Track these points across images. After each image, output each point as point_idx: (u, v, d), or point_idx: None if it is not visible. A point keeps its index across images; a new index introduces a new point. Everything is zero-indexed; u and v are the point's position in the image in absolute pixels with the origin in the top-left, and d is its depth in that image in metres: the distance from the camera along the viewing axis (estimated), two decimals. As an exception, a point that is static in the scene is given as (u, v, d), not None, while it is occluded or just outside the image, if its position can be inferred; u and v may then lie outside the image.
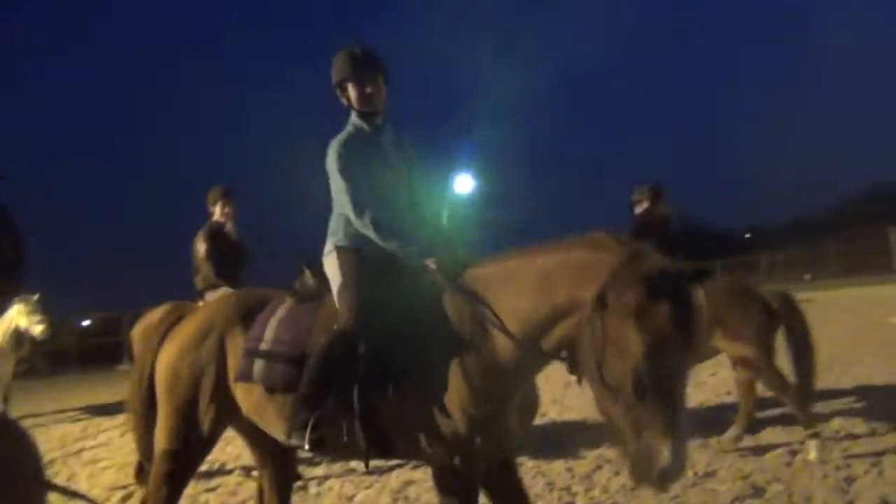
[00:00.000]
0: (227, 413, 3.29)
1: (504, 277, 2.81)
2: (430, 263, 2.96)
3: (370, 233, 3.09)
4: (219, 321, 3.36)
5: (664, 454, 2.22)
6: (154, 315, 6.22)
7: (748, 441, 5.68)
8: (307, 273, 3.53)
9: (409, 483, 5.30)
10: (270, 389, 3.10)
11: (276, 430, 3.13)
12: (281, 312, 3.26)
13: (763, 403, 6.30)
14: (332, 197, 3.33)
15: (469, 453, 2.78)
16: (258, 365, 3.13)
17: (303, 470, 5.79)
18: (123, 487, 5.81)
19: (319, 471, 5.82)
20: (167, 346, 3.47)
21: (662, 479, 2.27)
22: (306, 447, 2.91)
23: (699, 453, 5.47)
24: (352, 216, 3.14)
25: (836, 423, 6.04)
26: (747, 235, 60.71)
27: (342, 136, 3.27)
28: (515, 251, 2.92)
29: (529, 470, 5.35)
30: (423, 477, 5.39)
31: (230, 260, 6.10)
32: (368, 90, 3.26)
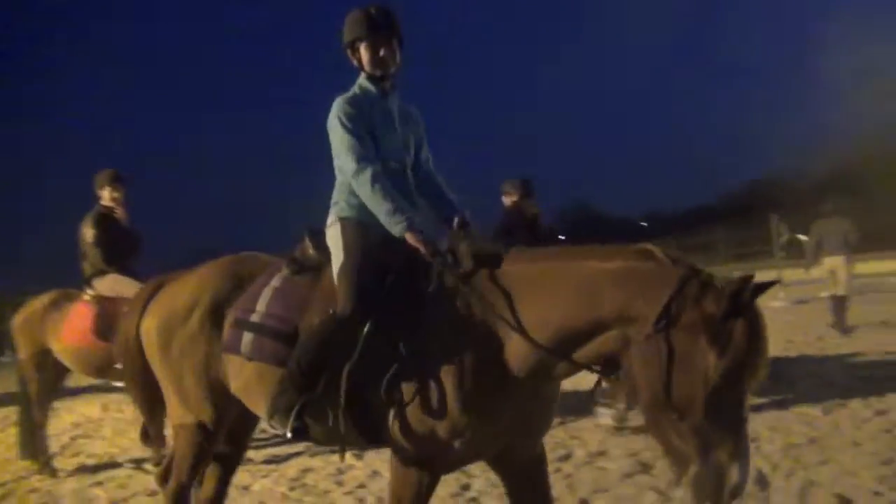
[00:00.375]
0: (225, 394, 3.12)
1: (536, 278, 2.62)
2: (414, 240, 2.75)
3: (364, 190, 2.87)
4: (209, 291, 3.19)
5: (734, 474, 2.17)
6: (37, 304, 5.92)
7: (638, 420, 5.92)
8: (308, 241, 3.35)
9: (306, 471, 5.26)
10: (259, 366, 2.94)
11: (259, 409, 3.01)
12: (275, 282, 3.09)
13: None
14: (336, 163, 3.10)
15: (439, 457, 2.67)
16: (247, 338, 2.99)
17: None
18: (2, 485, 5.52)
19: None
20: (151, 318, 3.32)
21: (732, 497, 2.20)
22: (288, 434, 2.74)
23: (591, 433, 5.67)
24: (350, 171, 2.90)
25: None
26: (643, 223, 62.80)
27: (347, 95, 3.08)
28: (544, 250, 2.79)
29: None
30: (321, 465, 5.36)
31: (120, 246, 5.86)
32: (382, 53, 3.04)
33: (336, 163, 3.06)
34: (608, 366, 2.51)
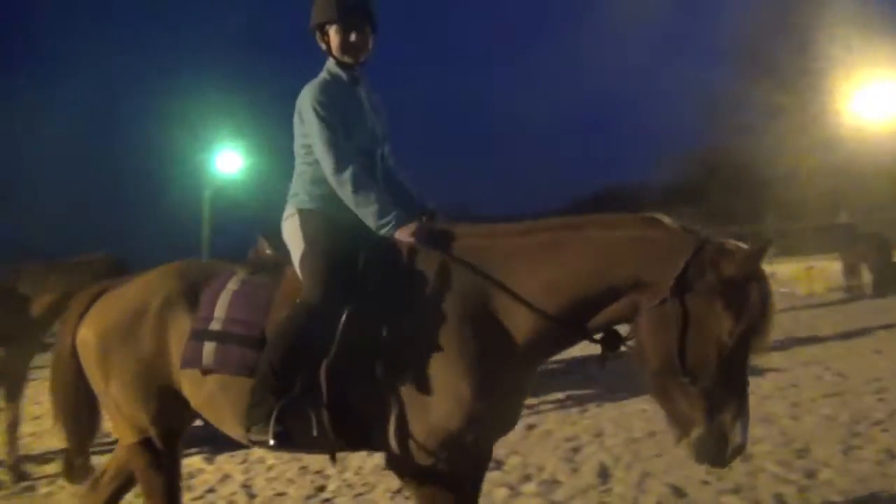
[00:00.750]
0: (175, 407, 2.86)
1: (536, 250, 2.53)
2: (406, 235, 2.63)
3: (346, 192, 2.71)
4: (156, 298, 2.89)
5: (737, 435, 2.24)
6: None
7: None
8: (263, 242, 3.12)
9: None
10: (223, 377, 2.69)
11: (230, 425, 2.74)
12: (232, 286, 2.83)
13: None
14: (297, 152, 2.94)
15: (461, 453, 2.49)
16: (208, 348, 2.71)
17: (30, 468, 5.30)
18: None
19: (50, 468, 5.32)
20: (87, 329, 2.98)
21: (732, 457, 2.29)
22: (271, 442, 2.50)
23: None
24: (330, 169, 2.73)
25: (560, 395, 6.69)
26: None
27: (318, 80, 2.89)
28: (531, 223, 2.66)
29: (282, 454, 5.30)
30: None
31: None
32: (353, 38, 2.88)
33: (299, 150, 2.92)
34: (610, 337, 2.54)
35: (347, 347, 2.50)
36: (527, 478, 4.54)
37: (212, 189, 23.26)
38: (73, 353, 3.02)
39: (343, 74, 2.93)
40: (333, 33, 2.88)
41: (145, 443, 2.87)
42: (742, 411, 2.25)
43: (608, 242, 2.44)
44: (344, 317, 2.51)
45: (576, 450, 5.03)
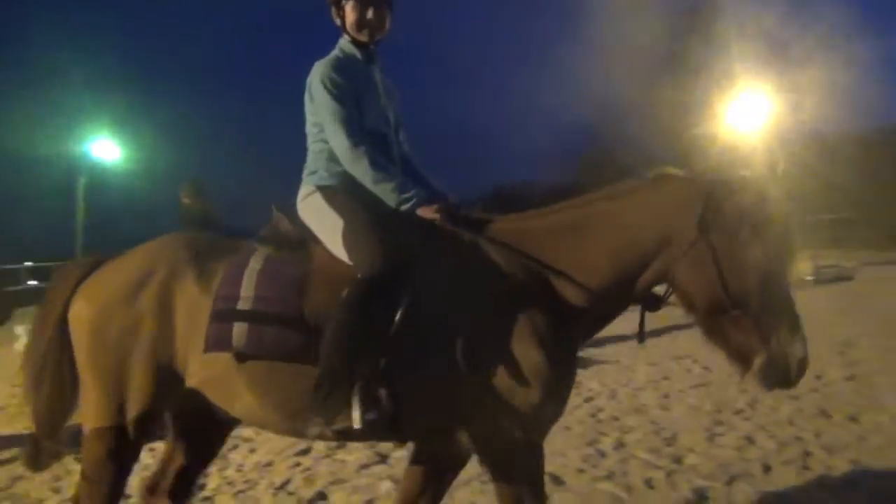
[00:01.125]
0: (170, 389, 2.63)
1: (561, 230, 2.58)
2: (429, 213, 2.60)
3: (361, 169, 2.64)
4: (161, 267, 2.66)
5: (798, 349, 2.30)
6: None
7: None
8: (281, 216, 2.88)
9: (17, 479, 4.75)
10: (258, 361, 2.51)
11: (264, 409, 2.55)
12: (256, 264, 2.64)
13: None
14: (309, 130, 2.84)
15: (542, 425, 2.53)
16: (238, 329, 2.51)
17: None
18: None
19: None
20: (84, 301, 2.72)
21: (798, 374, 2.33)
22: (357, 426, 2.35)
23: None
24: (343, 147, 2.65)
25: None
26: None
27: (330, 57, 2.79)
28: (552, 205, 2.70)
29: (160, 452, 5.12)
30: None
31: None
32: (370, 15, 2.77)
33: (311, 129, 2.82)
34: (650, 300, 2.61)
35: (410, 324, 2.43)
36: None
37: (87, 177, 22.14)
38: (61, 327, 2.76)
39: (357, 52, 2.85)
40: (350, 9, 2.79)
41: (115, 429, 2.63)
42: (796, 327, 2.32)
43: (630, 212, 2.52)
44: (405, 291, 2.44)
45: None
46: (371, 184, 2.64)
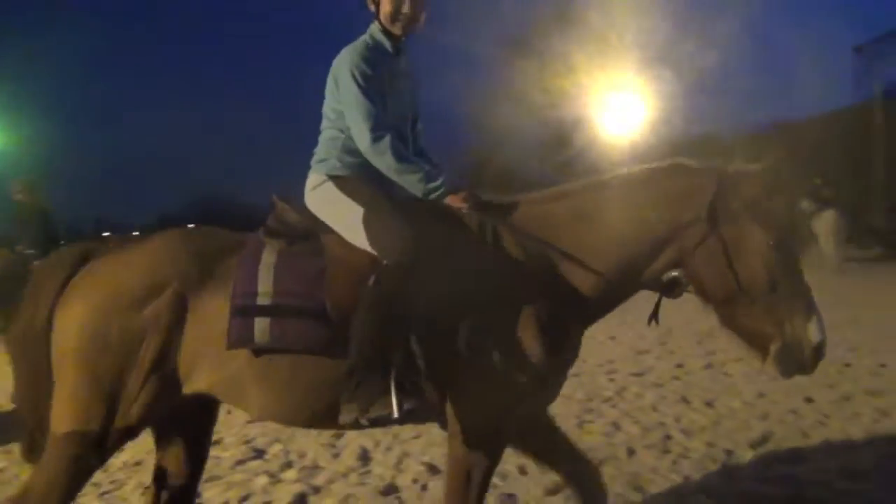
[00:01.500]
0: (169, 393, 2.52)
1: (575, 216, 2.64)
2: (458, 201, 2.64)
3: (385, 161, 2.62)
4: (171, 272, 2.52)
5: (815, 333, 2.36)
6: None
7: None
8: (284, 206, 2.69)
9: None
10: (279, 355, 2.48)
11: (287, 404, 2.55)
12: (269, 258, 2.57)
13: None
14: (327, 115, 2.79)
15: (529, 406, 2.66)
16: (261, 324, 2.45)
17: None
18: None
19: None
20: (79, 299, 2.54)
21: (815, 358, 2.40)
22: (395, 416, 2.38)
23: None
24: (367, 139, 2.61)
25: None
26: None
27: (360, 45, 2.74)
28: (555, 190, 2.79)
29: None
30: None
31: None
32: (405, 9, 2.72)
33: (329, 115, 2.79)
34: (668, 285, 2.68)
35: (434, 311, 2.47)
36: (288, 465, 4.54)
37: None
38: (48, 327, 2.59)
39: (387, 43, 2.81)
40: (386, 1, 2.74)
41: (92, 435, 2.48)
42: (811, 311, 2.41)
43: (644, 201, 2.58)
44: (429, 276, 2.46)
45: (338, 436, 5.10)
46: (396, 175, 2.66)
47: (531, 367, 2.52)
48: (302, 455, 4.71)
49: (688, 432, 4.89)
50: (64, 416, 2.50)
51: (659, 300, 2.76)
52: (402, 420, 2.45)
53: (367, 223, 2.58)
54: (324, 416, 2.55)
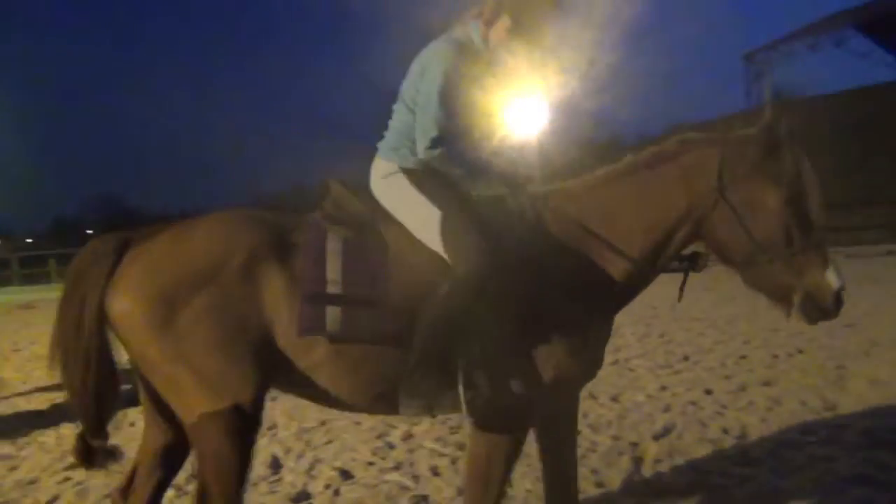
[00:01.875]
0: (270, 367, 2.49)
1: (600, 204, 2.73)
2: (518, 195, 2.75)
3: (439, 161, 2.65)
4: (239, 249, 2.48)
5: (833, 280, 2.48)
6: None
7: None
8: (343, 191, 2.64)
9: None
10: (347, 346, 2.50)
11: (352, 392, 2.58)
12: (335, 246, 2.58)
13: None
14: (406, 103, 2.75)
15: (570, 396, 2.86)
16: (332, 313, 2.47)
17: None
18: None
19: None
20: (135, 291, 2.44)
21: (836, 306, 2.51)
22: (465, 411, 2.51)
23: (112, 437, 5.38)
24: (425, 139, 2.62)
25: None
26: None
27: (460, 45, 2.71)
28: (572, 181, 2.86)
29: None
30: None
31: None
32: (517, 38, 2.78)
33: (406, 103, 2.75)
34: (691, 259, 2.80)
35: (496, 311, 2.53)
36: (194, 476, 4.39)
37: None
38: (101, 321, 2.47)
39: (483, 49, 2.80)
40: (509, 22, 2.74)
41: (230, 410, 2.42)
42: (826, 261, 2.52)
43: (662, 182, 2.68)
44: (496, 283, 2.52)
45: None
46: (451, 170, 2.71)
47: (588, 357, 2.71)
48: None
49: (595, 427, 5.02)
50: (190, 403, 2.46)
51: (686, 276, 2.87)
52: (471, 414, 2.56)
53: (444, 231, 2.59)
54: (384, 405, 2.62)
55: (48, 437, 5.53)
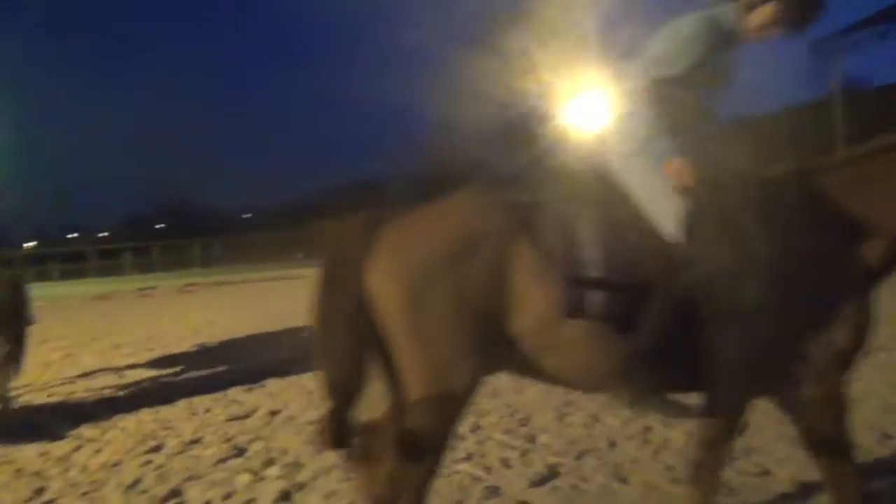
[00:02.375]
0: (497, 355, 2.54)
1: (860, 181, 2.69)
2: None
3: (630, 129, 2.69)
4: (491, 227, 2.50)
5: None
6: None
7: (236, 408, 5.97)
8: (584, 171, 2.76)
9: None
10: (597, 328, 2.48)
11: (605, 376, 2.58)
12: (590, 226, 2.56)
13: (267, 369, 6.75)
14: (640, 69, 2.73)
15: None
16: (593, 297, 2.46)
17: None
18: None
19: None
20: (391, 267, 2.47)
21: None
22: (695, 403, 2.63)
23: (184, 422, 5.56)
24: (655, 67, 2.65)
25: (304, 381, 6.72)
26: (247, 216, 63.02)
27: (715, 24, 2.69)
28: (827, 162, 2.84)
29: (-6, 459, 4.76)
30: None
31: None
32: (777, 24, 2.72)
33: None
34: None
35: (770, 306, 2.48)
36: (270, 462, 4.50)
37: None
38: (360, 306, 2.47)
39: (734, 33, 2.76)
40: (784, 2, 2.69)
41: (444, 395, 2.45)
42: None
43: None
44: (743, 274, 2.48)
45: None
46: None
47: (857, 330, 2.61)
48: (284, 452, 4.68)
49: (667, 423, 4.95)
50: (417, 382, 2.45)
51: None
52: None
53: (689, 228, 2.57)
54: (610, 385, 2.63)
55: (129, 421, 5.74)
